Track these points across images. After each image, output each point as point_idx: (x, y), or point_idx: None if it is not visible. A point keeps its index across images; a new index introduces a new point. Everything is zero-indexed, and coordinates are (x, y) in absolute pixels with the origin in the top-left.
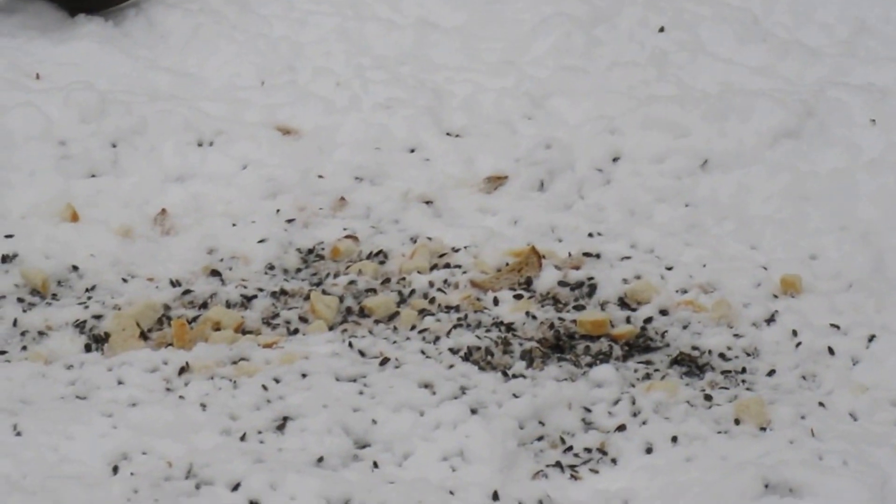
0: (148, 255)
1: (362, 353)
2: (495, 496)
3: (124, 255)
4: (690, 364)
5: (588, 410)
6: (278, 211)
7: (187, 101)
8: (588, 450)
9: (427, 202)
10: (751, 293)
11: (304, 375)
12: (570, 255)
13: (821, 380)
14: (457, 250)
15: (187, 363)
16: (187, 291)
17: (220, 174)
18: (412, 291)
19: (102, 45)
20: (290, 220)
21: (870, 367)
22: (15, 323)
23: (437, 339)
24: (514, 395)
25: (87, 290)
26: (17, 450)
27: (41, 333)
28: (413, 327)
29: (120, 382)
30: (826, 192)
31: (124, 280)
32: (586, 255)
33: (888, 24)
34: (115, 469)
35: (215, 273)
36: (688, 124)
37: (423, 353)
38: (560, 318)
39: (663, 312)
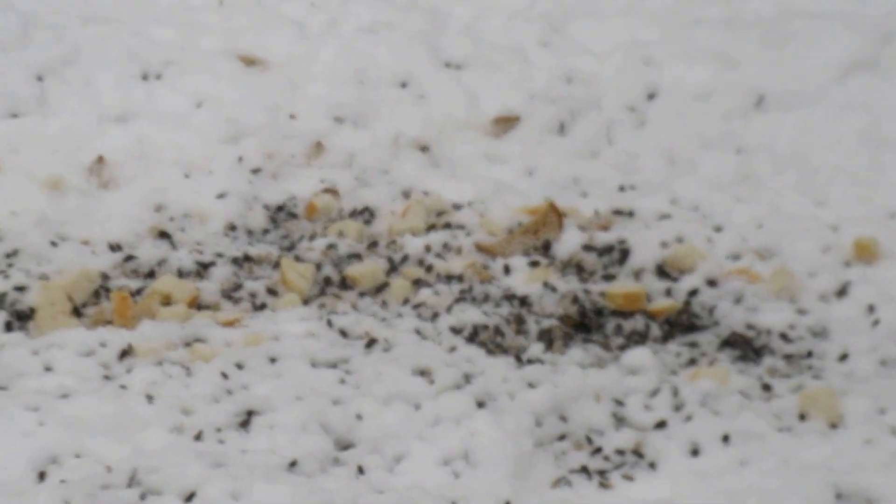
0: (82, 212)
1: (344, 333)
2: None
3: (53, 212)
4: (745, 346)
5: (620, 403)
6: (241, 159)
7: (129, 24)
8: (621, 452)
9: (422, 148)
10: (817, 260)
11: (272, 360)
12: (596, 212)
13: None
14: (459, 207)
15: (130, 346)
16: (130, 258)
17: (169, 114)
18: (405, 257)
19: None
20: (255, 171)
21: None
22: None
23: (436, 315)
24: (530, 385)
25: (7, 256)
26: None
27: None
28: (406, 301)
29: (48, 369)
30: None
31: (53, 243)
32: (617, 212)
33: None
34: (42, 475)
35: (164, 235)
36: (739, 54)
37: (418, 332)
38: (585, 291)
39: (711, 283)
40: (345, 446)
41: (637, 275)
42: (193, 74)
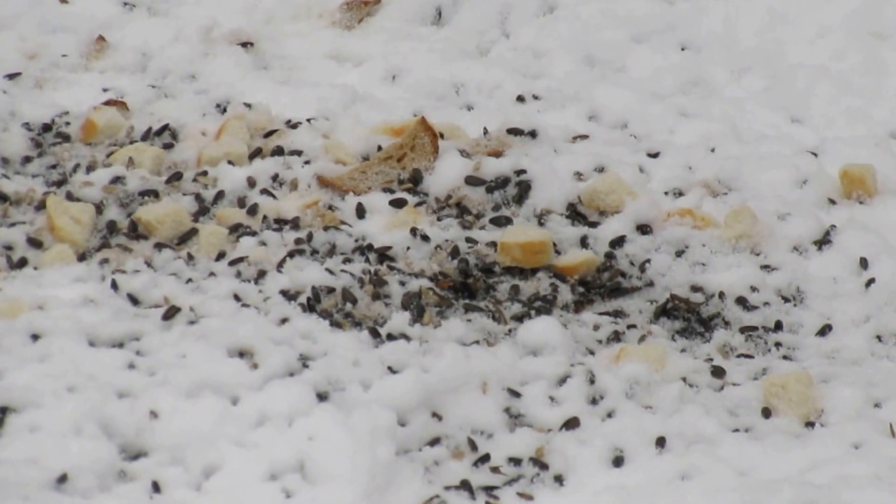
0: None
1: (135, 300)
2: None
3: None
4: (689, 316)
5: (516, 395)
6: None
7: None
8: (516, 461)
9: (244, 44)
10: (791, 196)
11: (35, 337)
12: (485, 132)
13: None
14: (295, 125)
15: None
16: None
17: None
18: (219, 195)
19: None
20: (11, 76)
21: None
22: None
23: (262, 274)
24: (391, 370)
25: None
26: None
27: None
28: (221, 255)
29: None
30: None
31: None
32: (513, 132)
33: None
34: None
35: None
36: None
37: (236, 298)
38: (469, 240)
39: (643, 229)
40: (134, 455)
41: (541, 218)
42: None
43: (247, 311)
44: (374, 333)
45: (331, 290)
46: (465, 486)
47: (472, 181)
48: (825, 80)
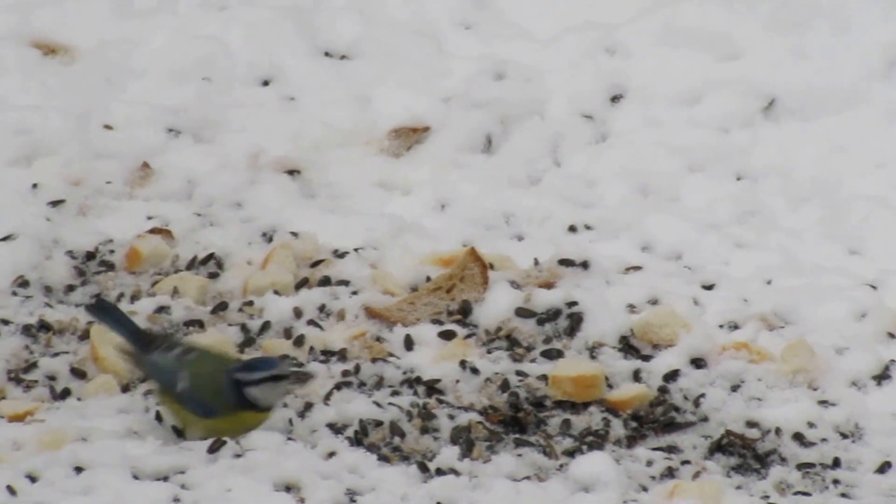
0: None
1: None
2: None
3: None
4: (744, 452)
5: None
6: (35, 186)
7: None
8: None
9: (291, 172)
10: (849, 330)
11: (78, 469)
12: (536, 262)
13: None
14: (342, 255)
15: None
16: None
17: None
18: (265, 325)
19: None
20: (55, 203)
21: None
22: None
23: (309, 407)
24: None
25: None
26: None
27: None
28: None
29: None
30: None
31: None
32: (565, 263)
33: None
34: None
35: None
36: (741, 37)
37: (283, 430)
38: (519, 373)
39: (698, 363)
40: None
41: (593, 350)
42: None
43: (293, 444)
44: (423, 468)
45: (378, 424)
46: None
47: (522, 313)
48: (883, 210)
